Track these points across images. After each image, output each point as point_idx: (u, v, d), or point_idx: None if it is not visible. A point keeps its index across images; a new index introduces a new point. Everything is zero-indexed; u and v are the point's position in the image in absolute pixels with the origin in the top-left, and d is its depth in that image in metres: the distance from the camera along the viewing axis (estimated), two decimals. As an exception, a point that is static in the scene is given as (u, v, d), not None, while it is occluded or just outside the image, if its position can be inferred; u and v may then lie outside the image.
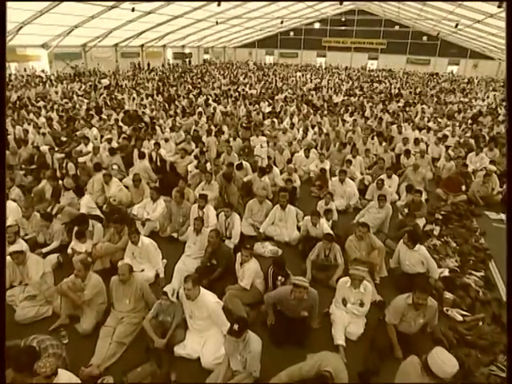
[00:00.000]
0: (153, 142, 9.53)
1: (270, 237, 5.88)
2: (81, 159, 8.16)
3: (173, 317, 3.72)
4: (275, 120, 12.07)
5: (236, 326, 3.02)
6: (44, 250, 5.14)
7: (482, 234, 6.42)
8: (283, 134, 10.67)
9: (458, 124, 12.97)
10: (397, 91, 22.56)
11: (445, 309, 4.43)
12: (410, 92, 22.64)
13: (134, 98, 15.91)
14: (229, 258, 4.61)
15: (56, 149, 8.89)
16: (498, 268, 5.57)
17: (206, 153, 9.01)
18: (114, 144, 9.38)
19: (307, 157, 8.64)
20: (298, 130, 11.41)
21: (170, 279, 4.74)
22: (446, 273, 5.08)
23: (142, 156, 7.80)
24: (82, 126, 11.16)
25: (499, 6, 16.25)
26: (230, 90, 19.91)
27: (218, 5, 18.68)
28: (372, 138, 10.44)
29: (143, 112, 13.17)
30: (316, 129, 11.48)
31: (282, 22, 30.09)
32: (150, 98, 15.89)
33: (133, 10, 18.63)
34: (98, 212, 6.03)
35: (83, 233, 5.02)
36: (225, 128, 11.36)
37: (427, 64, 39.15)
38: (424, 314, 3.74)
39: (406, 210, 6.30)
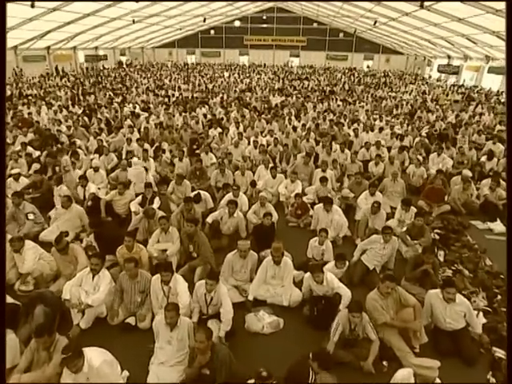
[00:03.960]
0: (78, 171, 7.55)
1: (262, 300, 4.44)
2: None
3: None
4: (221, 130, 10.61)
5: None
6: None
7: (483, 252, 5.78)
8: (235, 148, 9.27)
9: (401, 120, 12.85)
10: (328, 88, 22.53)
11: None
12: (341, 89, 22.81)
13: (40, 112, 13.06)
14: (228, 364, 3.12)
15: None
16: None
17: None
18: (24, 180, 7.16)
19: (274, 177, 7.32)
20: (248, 139, 10.08)
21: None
22: (482, 319, 4.22)
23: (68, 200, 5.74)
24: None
25: (421, 6, 16.71)
26: (158, 95, 17.81)
27: (137, 1, 16.48)
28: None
29: (58, 130, 10.69)
30: (269, 137, 10.29)
31: (204, 20, 28.47)
32: (64, 111, 13.18)
33: (32, 6, 15.31)
34: (8, 299, 4.00)
35: (-15, 355, 3.14)
36: (164, 145, 9.61)
37: (345, 60, 41.00)
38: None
39: (409, 238, 5.42)
